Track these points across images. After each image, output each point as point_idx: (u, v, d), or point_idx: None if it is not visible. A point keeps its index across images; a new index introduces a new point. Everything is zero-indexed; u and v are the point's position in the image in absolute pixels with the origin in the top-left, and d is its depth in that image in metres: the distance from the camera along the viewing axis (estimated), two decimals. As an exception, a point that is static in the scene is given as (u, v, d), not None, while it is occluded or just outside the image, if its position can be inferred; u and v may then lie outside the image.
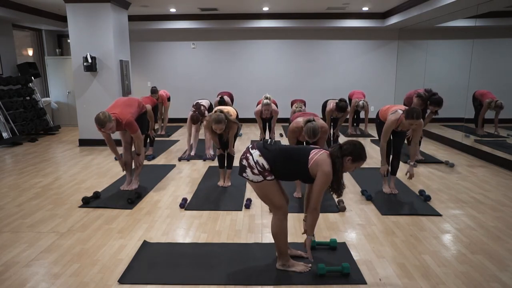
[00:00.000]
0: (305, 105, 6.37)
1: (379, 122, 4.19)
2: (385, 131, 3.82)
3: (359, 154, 2.33)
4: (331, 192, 2.42)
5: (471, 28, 6.37)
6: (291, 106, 6.53)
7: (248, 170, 2.36)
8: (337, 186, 2.36)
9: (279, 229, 2.46)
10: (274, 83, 9.46)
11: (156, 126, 6.99)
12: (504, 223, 3.35)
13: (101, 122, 3.71)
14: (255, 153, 2.36)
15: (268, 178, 2.35)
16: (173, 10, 7.98)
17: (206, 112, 5.40)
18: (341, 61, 9.34)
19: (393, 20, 7.85)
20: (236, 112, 4.72)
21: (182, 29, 8.82)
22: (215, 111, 4.05)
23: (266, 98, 5.56)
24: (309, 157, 2.33)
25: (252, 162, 2.34)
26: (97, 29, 6.40)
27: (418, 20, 7.35)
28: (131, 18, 8.13)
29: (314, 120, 3.48)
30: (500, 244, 2.95)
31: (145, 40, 9.35)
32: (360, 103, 7.27)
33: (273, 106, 5.70)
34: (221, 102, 6.61)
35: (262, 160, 2.33)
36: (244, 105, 9.48)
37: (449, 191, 4.22)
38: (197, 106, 5.40)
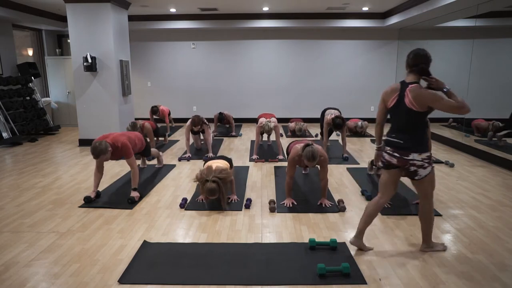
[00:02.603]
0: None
1: None
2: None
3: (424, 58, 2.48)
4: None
5: (471, 28, 6.37)
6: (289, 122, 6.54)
7: (420, 170, 2.51)
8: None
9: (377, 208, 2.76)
10: (274, 83, 9.47)
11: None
12: (504, 223, 3.36)
13: (96, 152, 3.61)
14: (415, 155, 2.48)
15: (432, 164, 2.56)
16: (173, 10, 7.98)
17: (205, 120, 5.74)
18: (341, 61, 9.33)
19: (393, 20, 7.85)
20: (230, 163, 4.07)
21: (182, 29, 8.82)
22: (208, 172, 3.55)
23: (268, 123, 5.60)
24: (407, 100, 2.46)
25: (419, 162, 2.49)
26: (97, 29, 6.40)
27: (418, 20, 7.34)
28: (131, 18, 8.13)
29: (312, 145, 3.51)
30: (500, 244, 2.95)
31: (145, 40, 9.35)
32: (359, 123, 7.62)
33: (274, 119, 5.73)
34: (221, 118, 7.50)
35: (423, 156, 2.48)
36: (244, 104, 9.51)
37: (449, 191, 4.22)
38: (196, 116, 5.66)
